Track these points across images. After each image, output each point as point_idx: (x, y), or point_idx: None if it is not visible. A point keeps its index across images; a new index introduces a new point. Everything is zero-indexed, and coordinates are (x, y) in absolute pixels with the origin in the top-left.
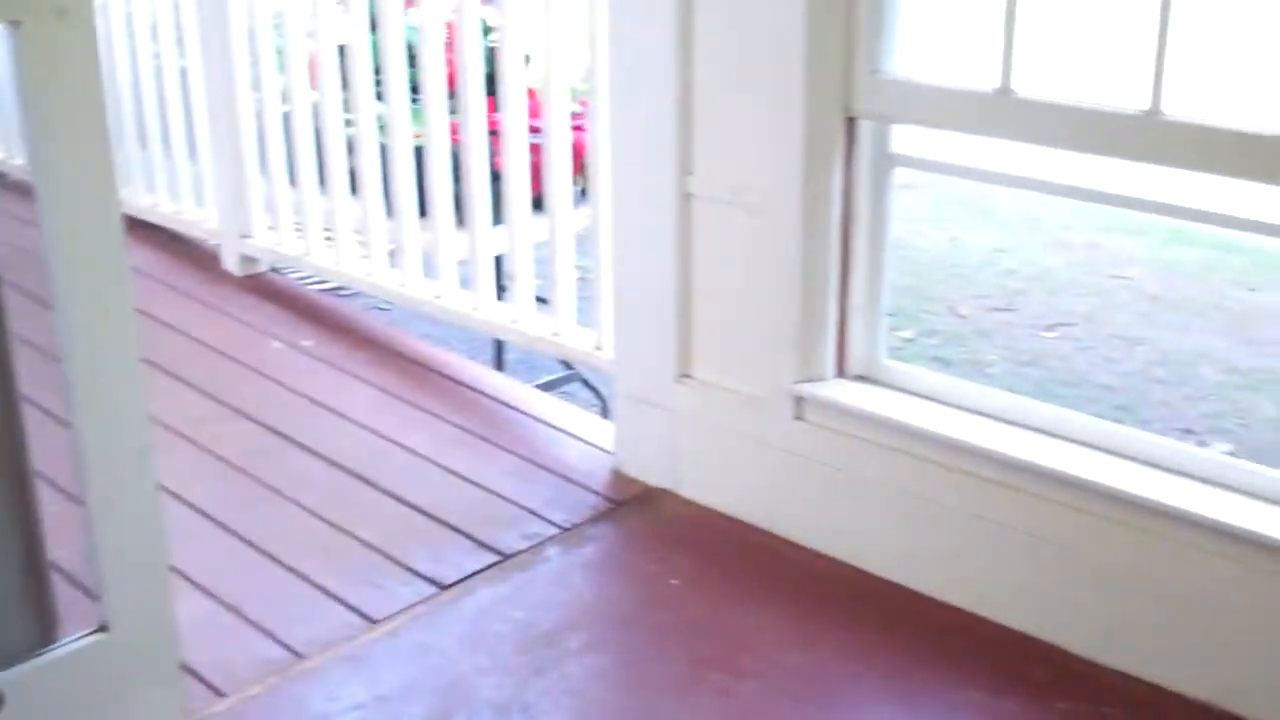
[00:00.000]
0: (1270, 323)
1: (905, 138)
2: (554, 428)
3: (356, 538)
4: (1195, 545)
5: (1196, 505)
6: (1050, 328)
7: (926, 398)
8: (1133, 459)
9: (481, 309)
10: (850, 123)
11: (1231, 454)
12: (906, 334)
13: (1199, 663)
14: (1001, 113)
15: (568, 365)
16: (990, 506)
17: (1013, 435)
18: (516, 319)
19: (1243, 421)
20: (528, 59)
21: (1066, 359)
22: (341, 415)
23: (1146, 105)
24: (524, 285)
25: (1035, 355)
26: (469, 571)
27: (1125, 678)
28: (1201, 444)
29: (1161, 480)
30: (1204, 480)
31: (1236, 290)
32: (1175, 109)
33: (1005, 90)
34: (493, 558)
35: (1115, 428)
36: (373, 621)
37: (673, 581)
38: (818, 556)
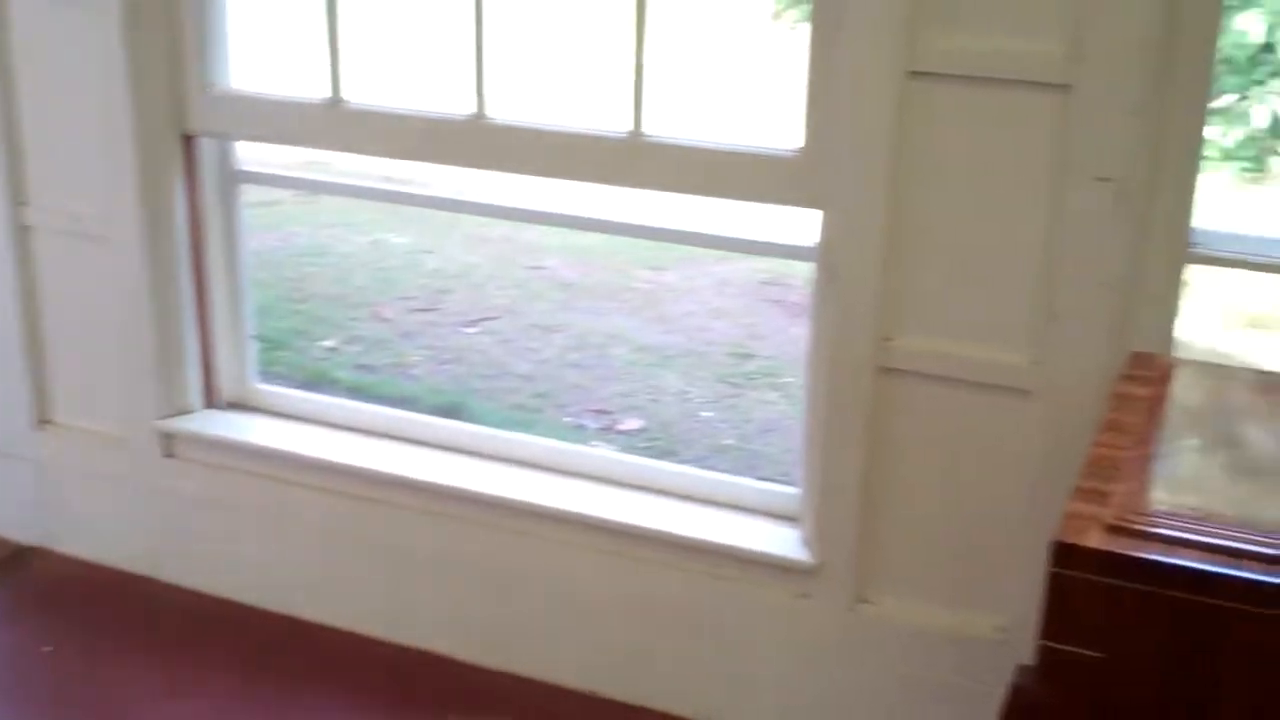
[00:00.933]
0: (674, 301)
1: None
2: None
3: None
4: (571, 542)
5: (572, 504)
6: (472, 323)
7: (298, 419)
8: (507, 460)
9: None
10: (188, 141)
11: (642, 428)
12: (330, 343)
13: (582, 655)
14: (333, 124)
15: None
16: (363, 524)
17: (379, 449)
18: None
19: (652, 397)
20: None
21: (487, 352)
22: None
23: (472, 111)
24: None
25: (458, 352)
26: None
27: (517, 680)
28: (615, 422)
29: (534, 480)
30: (583, 476)
31: (644, 271)
32: (499, 114)
33: (336, 101)
34: None
35: (490, 432)
36: None
37: (45, 648)
38: (203, 598)
